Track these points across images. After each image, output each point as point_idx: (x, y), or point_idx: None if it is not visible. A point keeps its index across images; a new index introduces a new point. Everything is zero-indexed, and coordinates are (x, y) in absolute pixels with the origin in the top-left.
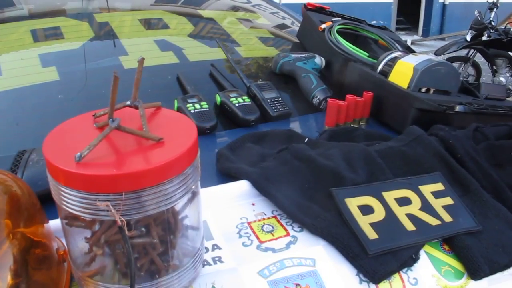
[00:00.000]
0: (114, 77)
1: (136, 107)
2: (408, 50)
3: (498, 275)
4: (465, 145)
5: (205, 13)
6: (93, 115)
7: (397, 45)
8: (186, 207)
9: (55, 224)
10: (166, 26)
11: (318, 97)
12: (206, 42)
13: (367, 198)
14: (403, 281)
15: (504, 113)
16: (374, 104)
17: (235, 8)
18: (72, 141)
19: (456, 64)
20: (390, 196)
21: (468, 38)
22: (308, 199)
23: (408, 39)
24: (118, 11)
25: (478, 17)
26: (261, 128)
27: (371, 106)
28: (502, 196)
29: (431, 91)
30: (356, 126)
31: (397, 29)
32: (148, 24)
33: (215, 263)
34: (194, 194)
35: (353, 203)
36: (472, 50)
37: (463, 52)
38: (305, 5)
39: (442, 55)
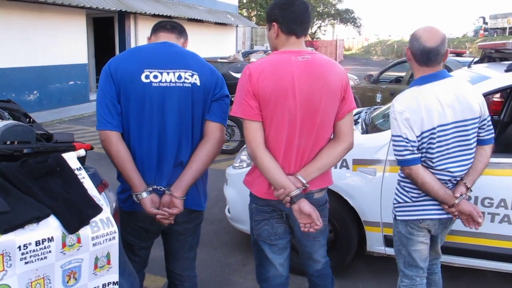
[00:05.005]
0: None
1: None
2: (24, 116)
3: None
4: (13, 170)
5: None
6: None
7: (6, 113)
8: None
9: None
10: None
11: None
12: None
13: None
14: None
15: (54, 150)
16: None
17: None
18: None
19: None
20: None
21: None
22: None
23: None
24: None
25: None
26: None
27: None
28: (28, 192)
29: (16, 142)
30: None
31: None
32: None
33: None
34: None
35: None
36: None
37: None
38: None
39: None
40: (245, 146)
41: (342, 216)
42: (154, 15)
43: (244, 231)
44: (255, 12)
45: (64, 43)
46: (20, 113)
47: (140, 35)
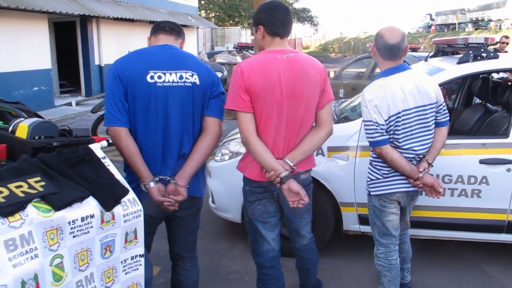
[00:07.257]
0: None
1: None
2: (35, 116)
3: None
4: (52, 159)
5: None
6: None
7: (23, 113)
8: None
9: None
10: None
11: None
12: None
13: None
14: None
15: (77, 143)
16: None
17: None
18: None
19: None
20: None
21: None
22: None
23: (73, 100)
24: None
25: None
26: None
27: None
28: (68, 177)
29: (42, 137)
30: None
31: (61, 92)
32: None
33: None
34: None
35: None
36: None
37: None
38: None
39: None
40: (224, 141)
41: (320, 199)
42: (116, 19)
43: (228, 219)
44: (214, 13)
45: (26, 49)
46: (31, 113)
47: (103, 38)
